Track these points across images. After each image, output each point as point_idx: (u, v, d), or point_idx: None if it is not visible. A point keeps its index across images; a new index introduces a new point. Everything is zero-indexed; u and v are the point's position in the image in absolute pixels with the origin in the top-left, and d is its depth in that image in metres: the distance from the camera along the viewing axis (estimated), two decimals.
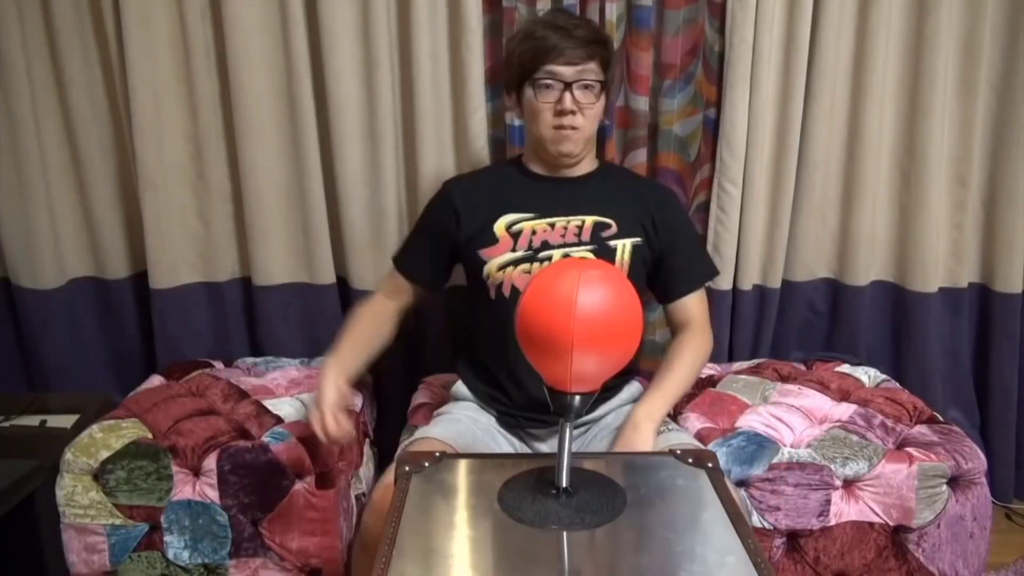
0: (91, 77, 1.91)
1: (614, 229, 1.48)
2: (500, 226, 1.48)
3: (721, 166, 1.93)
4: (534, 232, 1.47)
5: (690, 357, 1.51)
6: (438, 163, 1.91)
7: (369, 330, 1.57)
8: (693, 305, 1.54)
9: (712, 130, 1.95)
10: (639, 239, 1.49)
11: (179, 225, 1.95)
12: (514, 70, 1.46)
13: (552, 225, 1.47)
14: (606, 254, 1.46)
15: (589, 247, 1.46)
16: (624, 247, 1.47)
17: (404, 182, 1.96)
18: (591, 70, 1.42)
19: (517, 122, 1.88)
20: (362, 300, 1.96)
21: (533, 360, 0.96)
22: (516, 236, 1.47)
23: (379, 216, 1.93)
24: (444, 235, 1.54)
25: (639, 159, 1.93)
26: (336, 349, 1.50)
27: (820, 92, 1.89)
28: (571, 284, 0.92)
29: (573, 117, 1.42)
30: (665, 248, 1.52)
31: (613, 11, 1.82)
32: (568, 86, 1.40)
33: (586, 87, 1.42)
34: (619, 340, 0.94)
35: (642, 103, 1.90)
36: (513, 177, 1.56)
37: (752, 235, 1.95)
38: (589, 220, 1.47)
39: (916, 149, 1.95)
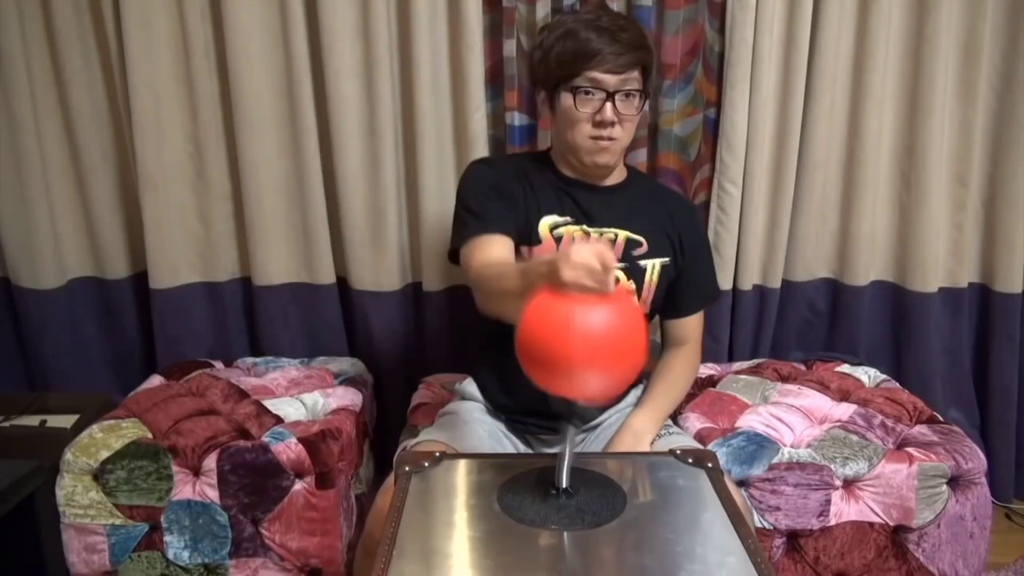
0: (91, 77, 1.91)
1: (644, 248, 1.43)
2: (544, 227, 1.40)
3: (721, 166, 1.93)
4: (574, 240, 1.39)
5: (685, 376, 1.53)
6: (438, 163, 1.91)
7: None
8: (694, 323, 1.53)
9: (712, 130, 1.95)
10: (667, 259, 1.44)
11: (179, 225, 1.95)
12: (550, 70, 1.35)
13: (587, 235, 1.40)
14: (636, 274, 1.42)
15: (620, 265, 1.39)
16: (654, 267, 1.43)
17: (404, 182, 1.96)
18: (634, 79, 1.34)
19: (517, 122, 1.88)
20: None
21: (537, 379, 0.95)
22: (558, 240, 1.40)
23: (379, 216, 1.93)
24: (513, 198, 1.40)
25: (639, 159, 1.93)
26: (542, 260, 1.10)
27: (820, 92, 1.89)
28: (568, 305, 0.91)
29: (612, 128, 1.34)
30: (684, 267, 1.48)
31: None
32: (610, 96, 1.32)
33: (628, 96, 1.34)
34: (622, 355, 0.93)
35: None
36: (545, 174, 1.46)
37: (752, 235, 1.95)
38: (622, 235, 1.42)
39: (916, 149, 1.95)
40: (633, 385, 1.55)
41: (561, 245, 1.38)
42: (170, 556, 1.54)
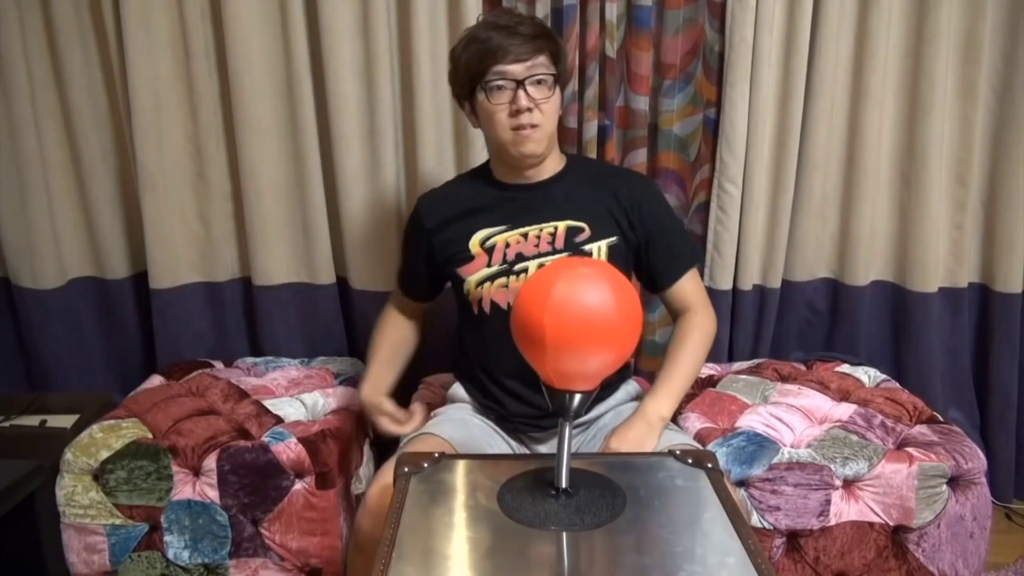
0: (91, 77, 1.91)
1: (587, 233, 1.44)
2: (474, 243, 1.46)
3: (721, 166, 1.93)
4: (508, 245, 1.44)
5: (693, 343, 1.48)
6: (438, 163, 1.91)
7: (394, 346, 1.66)
8: (688, 287, 1.51)
9: (712, 130, 1.95)
10: (614, 238, 1.45)
11: (179, 225, 1.95)
12: (462, 77, 1.42)
13: (525, 236, 1.44)
14: None
15: (564, 254, 1.43)
16: (600, 249, 1.44)
17: (404, 182, 1.96)
18: (541, 63, 1.38)
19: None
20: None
21: (523, 352, 0.96)
22: (490, 251, 1.45)
23: (379, 216, 1.93)
24: (425, 257, 1.55)
25: (639, 159, 1.93)
26: (367, 375, 1.61)
27: (820, 92, 1.89)
28: (551, 279, 0.93)
29: (531, 115, 1.37)
30: (644, 239, 1.48)
31: (613, 11, 1.82)
32: (520, 84, 1.36)
33: (539, 82, 1.37)
34: (597, 338, 0.92)
35: (642, 103, 1.90)
36: (482, 188, 1.52)
37: (752, 235, 1.95)
38: (562, 226, 1.44)
39: (916, 149, 1.95)
40: (623, 380, 1.55)
41: (494, 255, 1.45)
42: (170, 556, 1.54)
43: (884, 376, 1.88)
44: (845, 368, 1.93)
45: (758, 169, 1.92)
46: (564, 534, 0.93)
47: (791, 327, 2.08)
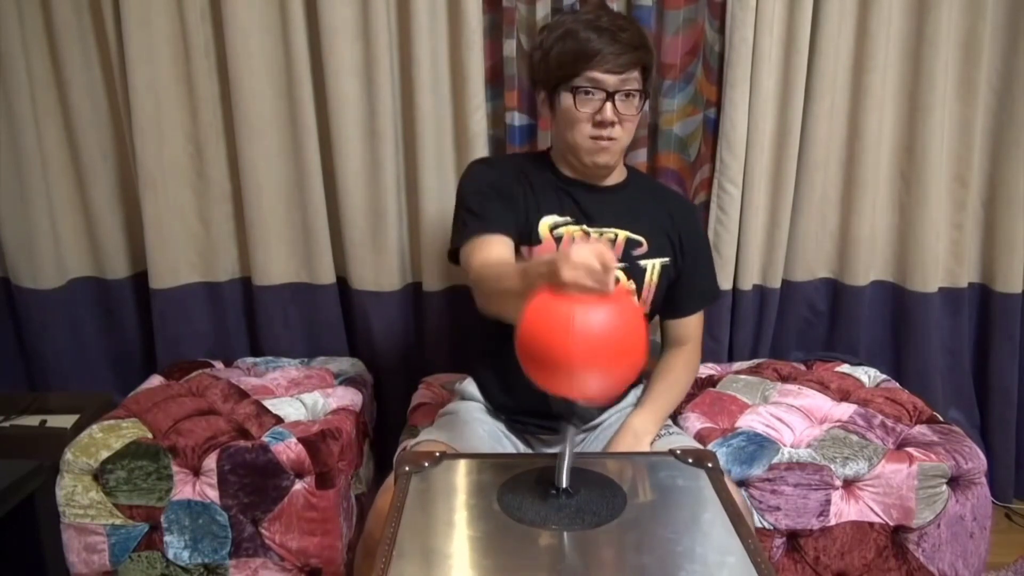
0: (91, 77, 1.91)
1: (644, 248, 1.43)
2: (544, 226, 1.40)
3: (721, 166, 1.93)
4: (574, 239, 1.39)
5: (686, 378, 1.54)
6: (438, 163, 1.91)
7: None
8: (694, 322, 1.53)
9: (712, 130, 1.95)
10: (667, 259, 1.45)
11: (179, 225, 1.95)
12: (551, 70, 1.36)
13: (587, 235, 1.40)
14: (636, 274, 1.42)
15: (620, 265, 1.39)
16: (654, 267, 1.43)
17: (404, 182, 1.96)
18: (634, 79, 1.34)
19: (517, 122, 1.88)
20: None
21: (536, 378, 0.95)
22: (558, 240, 1.40)
23: (379, 216, 1.93)
24: (513, 197, 1.40)
25: (639, 159, 1.93)
26: (534, 261, 1.14)
27: (820, 92, 1.89)
28: (567, 305, 0.91)
29: (612, 128, 1.34)
30: (684, 267, 1.48)
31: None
32: (610, 96, 1.32)
33: (628, 96, 1.34)
34: (625, 356, 0.93)
35: None
36: (544, 174, 1.46)
37: (752, 235, 1.95)
38: (622, 235, 1.42)
39: (916, 149, 1.95)
40: (633, 385, 1.55)
41: (561, 245, 1.39)
42: (170, 556, 1.54)
43: (884, 376, 1.89)
44: (845, 368, 1.93)
45: (758, 169, 1.92)
46: (564, 533, 0.93)
47: (791, 327, 2.08)
